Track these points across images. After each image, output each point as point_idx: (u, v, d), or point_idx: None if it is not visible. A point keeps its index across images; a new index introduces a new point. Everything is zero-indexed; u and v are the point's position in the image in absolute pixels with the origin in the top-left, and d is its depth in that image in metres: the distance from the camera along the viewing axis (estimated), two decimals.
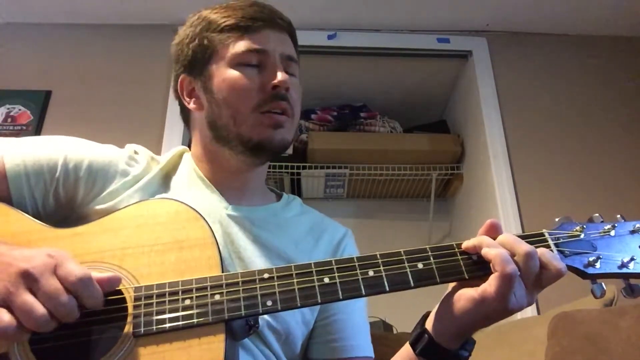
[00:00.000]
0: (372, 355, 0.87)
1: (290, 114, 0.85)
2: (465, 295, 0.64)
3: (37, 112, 2.06)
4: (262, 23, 0.86)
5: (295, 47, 0.91)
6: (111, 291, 0.63)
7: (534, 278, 0.62)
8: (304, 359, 0.86)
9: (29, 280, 0.56)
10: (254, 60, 0.84)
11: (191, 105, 0.89)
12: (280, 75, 0.82)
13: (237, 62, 0.84)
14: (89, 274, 0.58)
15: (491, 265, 0.62)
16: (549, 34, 2.36)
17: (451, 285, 0.69)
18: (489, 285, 0.61)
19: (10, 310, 0.55)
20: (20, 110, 2.06)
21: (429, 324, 0.68)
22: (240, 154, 0.85)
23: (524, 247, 0.62)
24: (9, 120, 2.05)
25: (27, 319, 0.54)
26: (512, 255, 0.62)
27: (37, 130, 2.03)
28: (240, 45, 0.84)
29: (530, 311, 1.78)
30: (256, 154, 0.85)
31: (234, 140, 0.84)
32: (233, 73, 0.84)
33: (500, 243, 0.64)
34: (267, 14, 0.87)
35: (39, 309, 0.55)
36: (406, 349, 0.71)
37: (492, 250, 0.62)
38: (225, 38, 0.85)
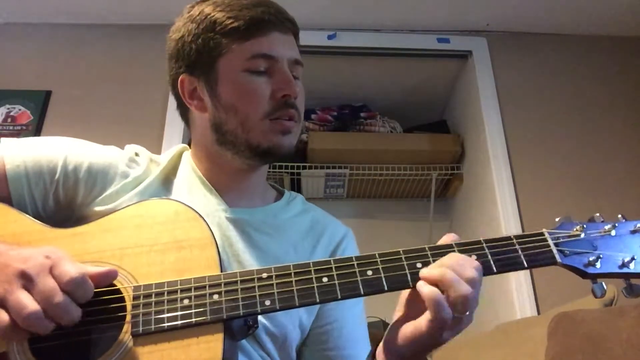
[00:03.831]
0: None
1: (298, 119, 0.86)
2: (403, 333, 0.64)
3: (37, 112, 2.05)
4: (270, 25, 0.83)
5: (298, 46, 0.90)
6: (110, 290, 0.63)
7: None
8: None
9: (25, 280, 0.56)
10: (262, 66, 0.82)
11: (193, 107, 0.87)
12: (291, 85, 0.82)
13: (246, 68, 0.82)
14: (83, 274, 0.58)
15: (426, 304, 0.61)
16: (549, 34, 2.36)
17: (395, 316, 0.68)
18: (421, 326, 0.61)
19: (6, 309, 0.55)
20: (20, 110, 2.06)
21: (379, 355, 0.68)
22: (246, 158, 0.85)
23: (462, 288, 0.60)
24: (9, 120, 2.05)
25: (20, 316, 0.54)
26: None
27: (37, 130, 2.02)
28: (249, 50, 0.82)
29: (530, 311, 1.78)
30: (263, 159, 0.86)
31: (242, 146, 0.83)
32: (242, 79, 0.82)
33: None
34: (274, 15, 0.84)
35: (32, 305, 0.55)
36: None
37: (425, 289, 0.61)
38: (232, 41, 0.82)
